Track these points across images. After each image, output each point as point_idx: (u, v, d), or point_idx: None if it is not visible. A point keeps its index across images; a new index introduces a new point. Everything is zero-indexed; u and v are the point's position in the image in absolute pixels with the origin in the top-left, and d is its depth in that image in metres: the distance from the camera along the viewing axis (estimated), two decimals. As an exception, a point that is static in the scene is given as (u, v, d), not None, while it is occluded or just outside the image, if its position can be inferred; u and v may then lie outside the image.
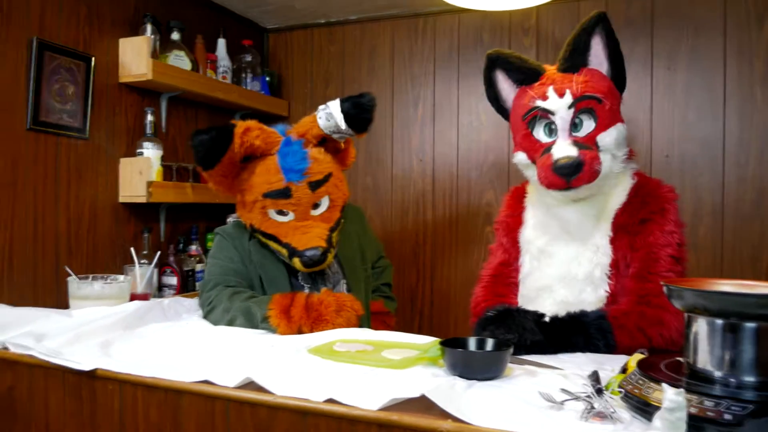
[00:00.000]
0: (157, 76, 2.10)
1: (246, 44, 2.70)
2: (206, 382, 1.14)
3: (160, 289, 2.19)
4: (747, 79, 2.28)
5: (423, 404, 1.01)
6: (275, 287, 1.73)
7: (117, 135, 2.16)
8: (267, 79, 2.84)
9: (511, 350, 1.21)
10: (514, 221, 1.76)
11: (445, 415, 0.97)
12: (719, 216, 2.31)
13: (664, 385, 0.83)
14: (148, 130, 2.17)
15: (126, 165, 2.12)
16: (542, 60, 2.51)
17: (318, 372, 1.19)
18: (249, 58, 2.70)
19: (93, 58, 2.03)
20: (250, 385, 1.11)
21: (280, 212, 1.68)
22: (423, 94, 2.73)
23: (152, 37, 2.13)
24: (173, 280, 2.21)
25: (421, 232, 2.74)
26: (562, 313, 1.51)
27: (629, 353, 1.45)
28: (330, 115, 1.66)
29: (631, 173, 1.64)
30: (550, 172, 1.52)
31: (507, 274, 1.74)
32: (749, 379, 0.94)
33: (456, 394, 1.06)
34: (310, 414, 1.01)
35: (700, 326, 0.99)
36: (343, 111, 1.65)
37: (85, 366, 1.24)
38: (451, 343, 1.25)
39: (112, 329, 1.52)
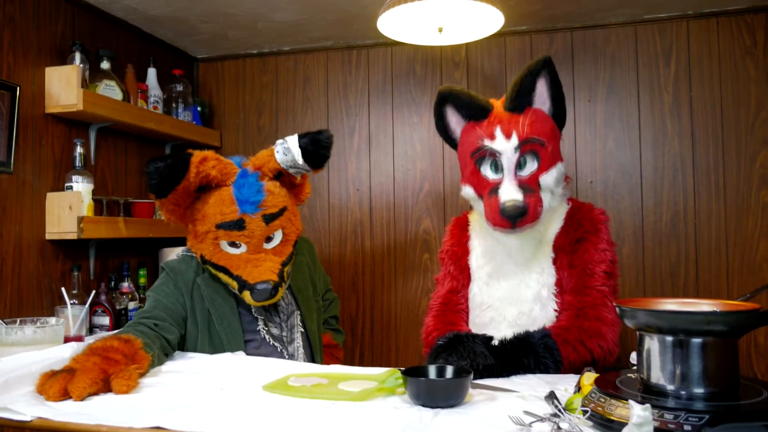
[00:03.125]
0: (88, 106, 2.01)
1: (176, 74, 2.64)
2: (157, 428, 1.09)
3: (92, 330, 2.07)
4: (658, 111, 2.47)
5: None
6: (225, 323, 1.69)
7: (44, 168, 2.04)
8: (198, 109, 2.78)
9: (471, 376, 1.24)
10: (461, 250, 1.82)
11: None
12: (639, 237, 2.47)
13: (631, 402, 0.89)
14: (78, 163, 2.07)
15: (54, 200, 2.00)
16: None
17: (277, 412, 1.17)
18: (180, 88, 2.64)
19: (18, 88, 1.92)
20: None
21: (233, 244, 1.65)
22: (358, 124, 2.77)
23: (81, 66, 2.05)
24: (105, 320, 2.09)
25: (359, 261, 2.75)
26: (513, 331, 1.58)
27: (575, 367, 1.52)
28: (287, 149, 1.66)
29: (565, 200, 1.76)
30: (497, 214, 1.62)
31: (456, 301, 1.78)
32: (699, 390, 1.02)
33: (426, 426, 1.07)
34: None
35: (652, 344, 1.06)
36: (300, 146, 1.65)
37: (27, 416, 1.16)
38: (411, 372, 1.26)
39: (47, 375, 1.42)
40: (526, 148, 1.63)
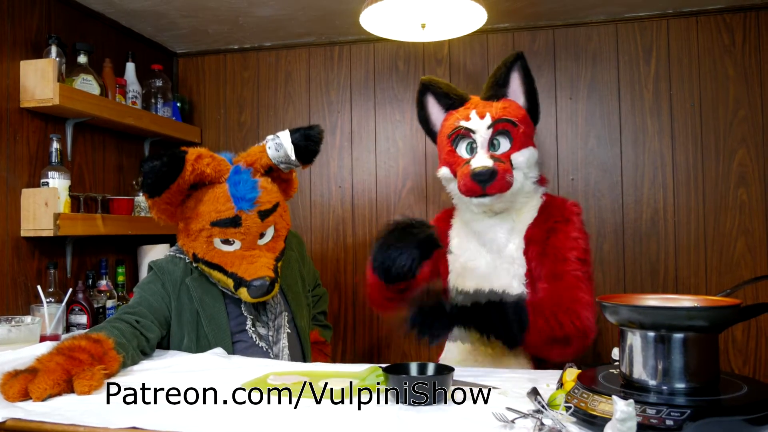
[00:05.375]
0: (64, 101, 1.97)
1: (156, 69, 2.60)
2: (134, 428, 1.07)
3: (69, 329, 2.03)
4: (638, 109, 2.49)
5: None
6: (214, 324, 1.68)
7: (18, 164, 1.99)
8: (178, 104, 2.74)
9: (453, 373, 1.24)
10: (442, 238, 1.84)
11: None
12: (620, 234, 2.49)
13: (615, 397, 0.89)
14: (54, 159, 2.03)
15: (29, 196, 1.96)
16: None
17: (257, 409, 1.15)
18: (159, 83, 2.60)
19: (-9, 82, 1.88)
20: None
21: (226, 242, 1.65)
22: (340, 121, 2.76)
23: (57, 59, 2.00)
24: (83, 319, 2.05)
25: (341, 258, 2.74)
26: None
27: (543, 339, 1.50)
28: (279, 145, 1.67)
29: (541, 194, 1.80)
30: (468, 179, 1.68)
31: None
32: (680, 385, 1.02)
33: (407, 424, 1.06)
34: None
35: (634, 339, 1.06)
36: (293, 142, 1.67)
37: (-1, 416, 1.13)
38: (392, 370, 1.25)
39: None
40: (498, 126, 1.71)
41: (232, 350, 1.68)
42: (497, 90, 1.76)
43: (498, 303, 1.49)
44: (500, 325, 1.47)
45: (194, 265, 1.71)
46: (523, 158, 1.72)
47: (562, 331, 1.52)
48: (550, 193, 1.83)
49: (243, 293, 1.63)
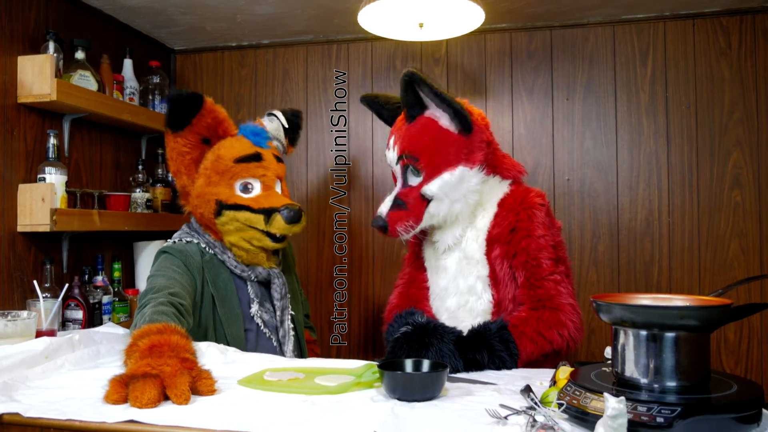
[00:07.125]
0: (62, 96, 1.97)
1: (153, 65, 2.61)
2: (131, 422, 1.08)
3: (64, 325, 2.03)
4: (634, 110, 2.51)
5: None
6: (227, 307, 1.69)
7: (15, 159, 1.99)
8: (176, 101, 2.75)
9: (448, 370, 1.25)
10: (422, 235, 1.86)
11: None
12: (615, 235, 2.51)
13: (606, 395, 0.90)
14: (51, 154, 2.03)
15: (26, 191, 1.96)
16: (453, 88, 2.64)
17: (253, 406, 1.16)
18: (157, 80, 2.61)
19: (-12, 77, 1.88)
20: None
21: (245, 189, 1.73)
22: (337, 119, 2.76)
23: (55, 55, 2.01)
24: (79, 314, 2.06)
25: (338, 256, 2.75)
26: (452, 322, 1.60)
27: (535, 358, 1.53)
28: (273, 117, 1.93)
29: (506, 186, 1.73)
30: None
31: (421, 278, 1.82)
32: (671, 384, 1.03)
33: (402, 420, 1.07)
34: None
35: (627, 338, 1.07)
36: (283, 115, 1.96)
37: (-7, 412, 1.13)
38: (387, 366, 1.26)
39: (16, 369, 1.39)
40: (402, 164, 1.69)
41: (243, 334, 1.69)
42: (412, 111, 1.67)
43: (483, 338, 1.49)
44: (490, 361, 1.48)
45: (218, 217, 1.71)
46: (434, 188, 1.63)
47: (552, 346, 1.54)
48: (518, 183, 1.75)
49: (277, 221, 1.69)
